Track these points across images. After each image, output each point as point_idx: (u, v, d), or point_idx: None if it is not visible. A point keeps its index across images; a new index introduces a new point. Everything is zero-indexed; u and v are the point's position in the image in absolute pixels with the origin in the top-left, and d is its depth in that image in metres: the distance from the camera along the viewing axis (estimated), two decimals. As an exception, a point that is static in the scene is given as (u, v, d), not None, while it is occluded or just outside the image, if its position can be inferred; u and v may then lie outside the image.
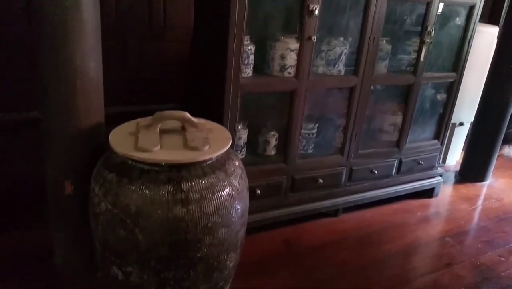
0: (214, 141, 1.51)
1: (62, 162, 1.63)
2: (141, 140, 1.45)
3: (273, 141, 2.29)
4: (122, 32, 2.77)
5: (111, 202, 1.37)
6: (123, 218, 1.36)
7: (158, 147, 1.41)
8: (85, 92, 1.56)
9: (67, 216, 1.71)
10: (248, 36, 1.99)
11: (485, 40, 3.06)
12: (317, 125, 2.41)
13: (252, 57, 2.03)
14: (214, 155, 1.44)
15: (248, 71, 2.04)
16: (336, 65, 2.26)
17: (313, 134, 2.39)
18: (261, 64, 2.13)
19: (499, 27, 3.11)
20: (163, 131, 1.55)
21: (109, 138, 1.50)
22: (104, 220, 1.41)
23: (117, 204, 1.36)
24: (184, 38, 2.81)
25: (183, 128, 1.59)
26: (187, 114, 1.56)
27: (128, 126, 1.62)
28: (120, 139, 1.50)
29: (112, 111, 2.47)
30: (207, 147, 1.45)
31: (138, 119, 1.66)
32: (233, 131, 1.99)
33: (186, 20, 2.75)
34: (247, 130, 2.21)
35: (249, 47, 2.00)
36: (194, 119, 1.57)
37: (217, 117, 1.97)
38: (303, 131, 2.29)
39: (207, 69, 2.17)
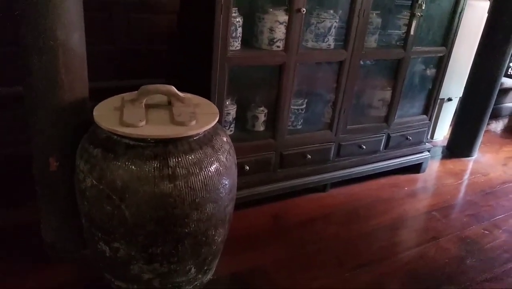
0: (201, 116, 1.48)
1: (46, 138, 1.59)
2: (126, 115, 1.41)
3: (262, 117, 2.27)
4: (107, 2, 2.68)
5: (96, 178, 1.35)
6: (109, 194, 1.34)
7: (144, 122, 1.38)
8: (68, 65, 1.51)
9: (53, 192, 1.68)
10: (236, 8, 1.93)
11: (475, 14, 3.03)
12: (306, 100, 2.38)
13: (240, 30, 1.99)
14: (201, 130, 1.42)
15: (236, 44, 1.99)
16: (326, 39, 2.22)
17: (302, 110, 2.37)
18: (250, 37, 2.09)
19: (490, 1, 3.08)
20: (148, 106, 1.51)
21: (94, 113, 1.47)
22: (90, 196, 1.39)
23: (103, 179, 1.34)
24: (172, 9, 2.73)
25: (170, 103, 1.56)
26: (173, 89, 1.52)
27: (113, 101, 1.58)
28: (105, 114, 1.47)
29: (98, 86, 2.41)
30: (194, 122, 1.42)
31: (123, 94, 1.62)
32: (221, 107, 1.96)
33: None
34: (235, 106, 2.18)
35: (237, 20, 1.95)
36: (181, 94, 1.54)
37: (205, 91, 1.93)
38: (292, 106, 2.26)
39: (194, 42, 2.12)
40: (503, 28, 2.89)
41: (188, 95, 1.61)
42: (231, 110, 2.17)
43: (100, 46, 2.61)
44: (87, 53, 1.62)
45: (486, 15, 3.05)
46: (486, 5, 3.08)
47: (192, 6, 2.12)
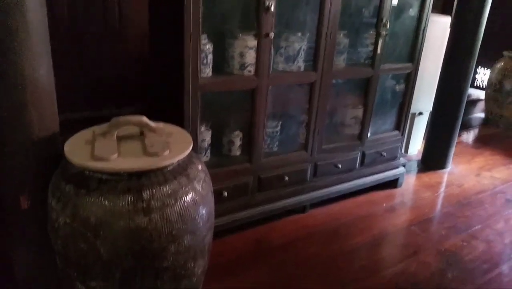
0: (174, 145, 1.47)
1: (16, 176, 1.54)
2: (97, 149, 1.39)
3: (238, 141, 2.27)
4: (76, 34, 2.66)
5: (69, 216, 1.31)
6: (83, 231, 1.30)
7: (116, 155, 1.36)
8: (37, 101, 1.48)
9: (26, 231, 1.62)
10: (206, 35, 1.95)
11: (438, 30, 3.15)
12: (280, 122, 2.40)
13: (210, 56, 2.00)
14: (175, 160, 1.40)
15: (207, 71, 2.00)
16: (296, 61, 2.26)
17: (277, 132, 2.39)
18: (221, 63, 2.10)
19: (451, 17, 3.20)
20: (120, 138, 1.49)
21: (64, 148, 1.44)
22: (64, 234, 1.35)
23: (76, 217, 1.30)
24: (141, 37, 2.74)
25: (142, 134, 1.54)
26: (145, 119, 1.51)
27: (84, 135, 1.55)
28: (76, 148, 1.44)
29: (69, 118, 2.38)
30: (167, 152, 1.40)
31: (94, 127, 1.59)
32: (194, 134, 1.95)
33: (142, 19, 2.67)
34: (210, 132, 2.18)
35: (207, 46, 1.96)
36: (153, 124, 1.52)
37: (178, 119, 1.93)
38: (266, 129, 2.27)
39: (165, 70, 2.12)
40: (465, 42, 3.00)
41: (161, 124, 1.60)
42: (206, 136, 2.16)
43: (70, 76, 2.58)
44: (57, 84, 1.59)
45: (449, 29, 3.16)
46: (448, 20, 3.20)
47: (161, 34, 2.13)
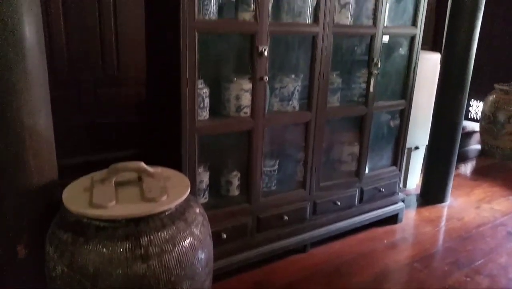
0: (172, 190, 1.48)
1: (14, 224, 1.54)
2: (95, 196, 1.40)
3: (236, 181, 2.28)
4: (75, 80, 2.73)
5: (67, 264, 1.31)
6: (81, 280, 1.29)
7: (114, 202, 1.37)
8: (36, 149, 1.51)
9: (22, 281, 1.60)
10: (202, 80, 2.00)
11: (429, 66, 3.23)
12: (277, 161, 2.42)
13: (207, 100, 2.05)
14: (173, 205, 1.41)
15: (204, 114, 2.04)
16: (290, 102, 2.30)
17: (274, 170, 2.40)
18: (217, 105, 2.14)
19: (440, 53, 3.30)
20: (118, 184, 1.50)
21: (63, 196, 1.45)
22: (61, 283, 1.33)
23: (74, 265, 1.29)
24: (139, 82, 2.80)
25: (140, 179, 1.55)
26: (142, 165, 1.53)
27: (82, 182, 1.57)
28: (74, 196, 1.45)
29: (68, 163, 2.39)
30: (165, 197, 1.41)
31: (92, 174, 1.61)
32: (192, 177, 1.96)
33: (140, 64, 2.75)
34: (208, 173, 2.19)
35: (204, 91, 2.01)
36: (150, 169, 1.54)
37: (176, 162, 1.94)
38: (264, 168, 2.29)
39: (163, 114, 2.16)
40: (455, 76, 3.06)
41: (158, 169, 1.61)
42: (204, 177, 2.18)
43: (69, 122, 2.62)
44: (55, 130, 1.62)
45: (439, 65, 3.24)
46: (438, 56, 3.29)
47: (159, 79, 2.18)
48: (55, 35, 2.59)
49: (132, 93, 2.82)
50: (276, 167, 2.40)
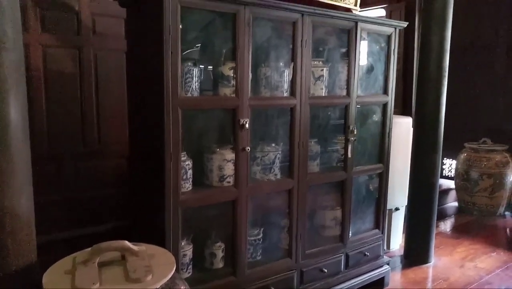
0: (157, 268, 1.45)
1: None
2: (78, 279, 1.35)
3: (220, 253, 2.24)
4: (56, 154, 2.73)
5: None
6: None
7: (97, 284, 1.33)
8: (15, 231, 1.47)
9: None
10: (185, 152, 2.03)
11: (402, 129, 3.37)
12: (262, 229, 2.41)
13: (190, 171, 2.07)
14: (158, 285, 1.38)
15: (187, 186, 2.05)
16: (272, 170, 2.35)
17: (259, 239, 2.38)
18: (200, 176, 2.16)
19: (411, 117, 3.46)
20: (102, 264, 1.47)
21: (43, 280, 1.40)
22: None
23: None
24: (119, 155, 2.82)
25: (123, 258, 1.52)
26: (126, 243, 1.50)
27: (63, 264, 1.52)
28: (56, 279, 1.40)
29: (50, 239, 2.32)
30: (149, 277, 1.38)
31: (75, 254, 1.56)
32: (176, 251, 1.93)
33: (121, 136, 2.78)
34: (191, 246, 2.15)
35: (187, 163, 2.04)
36: (134, 247, 1.51)
37: (159, 236, 1.92)
38: (248, 238, 2.27)
39: (145, 187, 2.16)
40: (427, 138, 3.20)
41: (143, 246, 1.59)
42: (187, 251, 2.13)
43: (48, 197, 2.58)
44: (36, 206, 1.59)
45: (411, 129, 3.39)
46: (410, 120, 3.45)
47: (142, 152, 2.20)
48: (36, 109, 2.62)
49: (113, 166, 2.82)
50: (261, 235, 2.39)
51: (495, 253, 3.55)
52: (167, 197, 1.89)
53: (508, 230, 4.20)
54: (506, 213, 4.55)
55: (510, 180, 4.42)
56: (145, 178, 2.14)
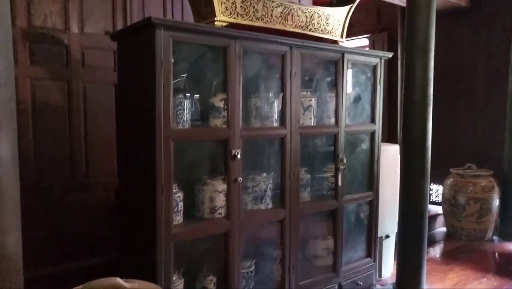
0: (150, 306, 1.42)
1: None
2: (68, 320, 1.31)
3: (212, 287, 2.20)
4: (43, 187, 2.67)
5: None
6: None
7: (89, 326, 1.28)
8: (3, 272, 1.43)
9: None
10: (176, 184, 2.02)
11: (390, 157, 3.40)
12: (254, 261, 2.38)
13: (181, 204, 2.05)
14: (152, 325, 1.34)
15: (178, 218, 2.03)
16: (264, 200, 2.34)
17: (251, 272, 2.35)
18: (191, 208, 2.14)
19: (398, 144, 3.50)
20: (93, 304, 1.42)
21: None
22: None
23: None
24: (108, 187, 2.78)
25: (115, 296, 1.48)
26: (118, 281, 1.46)
27: (52, 303, 1.47)
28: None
29: (38, 274, 2.25)
30: (143, 316, 1.34)
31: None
32: (168, 287, 1.89)
33: (110, 168, 2.75)
34: (183, 280, 2.11)
35: (178, 195, 2.02)
36: (126, 285, 1.48)
37: (150, 271, 1.88)
38: (241, 270, 2.24)
39: (136, 220, 2.12)
40: (415, 165, 3.22)
41: (135, 284, 1.55)
42: (179, 285, 2.09)
43: (36, 231, 2.52)
44: (23, 240, 1.55)
45: (399, 156, 3.43)
46: (397, 148, 3.49)
47: (132, 185, 2.17)
48: (23, 142, 2.57)
49: (102, 199, 2.77)
50: (253, 267, 2.36)
51: (485, 278, 3.55)
52: (158, 231, 1.86)
53: (497, 254, 4.22)
54: (494, 237, 4.58)
55: (497, 204, 4.48)
56: (135, 211, 2.11)
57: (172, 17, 3.13)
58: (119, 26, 2.84)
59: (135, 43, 2.06)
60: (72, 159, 2.75)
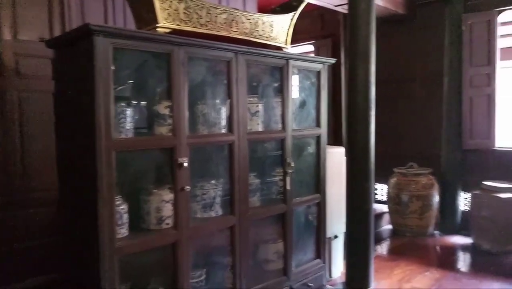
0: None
1: None
2: None
3: (161, 299, 2.14)
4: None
5: None
6: None
7: None
8: None
9: None
10: (120, 196, 1.95)
11: (336, 159, 3.50)
12: (205, 270, 2.34)
13: (126, 215, 1.98)
14: None
15: (123, 231, 1.96)
16: (213, 207, 2.32)
17: (202, 281, 2.31)
18: (137, 219, 2.08)
19: (343, 147, 3.60)
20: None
21: None
22: None
23: None
24: (48, 202, 2.64)
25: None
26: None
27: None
28: None
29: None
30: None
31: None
32: (115, 304, 1.82)
33: (50, 182, 2.61)
34: (130, 295, 2.04)
35: (122, 207, 1.95)
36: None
37: (95, 288, 1.80)
38: (190, 281, 2.20)
39: (78, 235, 2.03)
40: (360, 166, 3.33)
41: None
42: (126, 301, 2.02)
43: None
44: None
45: (344, 158, 3.53)
46: (342, 150, 3.59)
47: (73, 199, 2.08)
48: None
49: (43, 214, 2.63)
50: (204, 276, 2.32)
51: (428, 272, 3.73)
52: (101, 246, 1.78)
53: (438, 248, 4.46)
54: (436, 232, 4.84)
55: (437, 200, 4.73)
56: (77, 225, 2.02)
57: (114, 24, 3.04)
58: (57, 33, 2.72)
59: (73, 50, 1.97)
60: (7, 173, 2.59)
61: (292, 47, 2.85)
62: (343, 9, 4.72)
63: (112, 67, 1.82)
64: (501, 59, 4.60)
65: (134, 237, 1.99)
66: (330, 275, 3.54)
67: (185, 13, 2.16)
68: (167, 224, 2.08)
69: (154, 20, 2.06)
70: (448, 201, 4.83)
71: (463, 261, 4.14)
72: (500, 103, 4.65)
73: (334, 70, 5.41)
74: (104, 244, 1.79)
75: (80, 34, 1.83)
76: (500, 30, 4.56)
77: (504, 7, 4.48)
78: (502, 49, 4.61)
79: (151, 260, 2.18)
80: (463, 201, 4.86)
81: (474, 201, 4.33)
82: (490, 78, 4.61)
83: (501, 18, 4.54)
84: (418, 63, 5.17)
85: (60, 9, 2.75)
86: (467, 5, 4.70)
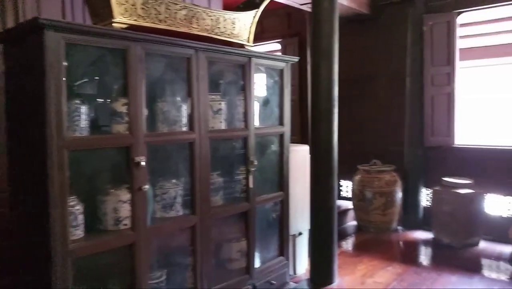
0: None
1: None
2: None
3: (119, 302, 2.09)
4: None
5: None
6: None
7: None
8: None
9: None
10: (75, 196, 1.88)
11: (300, 157, 3.52)
12: (165, 271, 2.30)
13: (81, 216, 1.92)
14: None
15: (78, 233, 1.89)
16: (173, 207, 2.29)
17: (162, 282, 2.27)
18: (93, 221, 2.02)
19: (308, 146, 3.63)
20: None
21: None
22: None
23: None
24: (2, 203, 2.52)
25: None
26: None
27: None
28: None
29: None
30: None
31: None
32: (67, 310, 1.76)
33: (2, 182, 2.49)
34: (86, 299, 1.98)
35: (77, 208, 1.89)
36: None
37: (47, 291, 1.74)
38: (150, 282, 2.15)
39: (29, 238, 1.95)
40: (323, 164, 3.37)
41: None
42: (81, 305, 1.96)
43: None
44: None
45: (309, 156, 3.55)
46: (307, 148, 3.61)
47: (24, 200, 1.99)
48: None
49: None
50: (164, 277, 2.28)
51: (391, 267, 3.81)
52: (53, 248, 1.72)
53: (401, 243, 4.56)
54: (399, 227, 4.95)
55: (400, 197, 4.84)
56: (29, 228, 1.94)
57: (73, 19, 2.93)
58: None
59: (23, 45, 1.89)
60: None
61: (259, 45, 2.85)
62: (308, 8, 4.74)
63: (65, 63, 1.76)
64: (460, 59, 4.74)
65: (90, 239, 1.93)
66: (294, 272, 3.56)
67: (142, 8, 2.11)
68: (125, 224, 2.03)
69: (110, 15, 2.00)
70: (411, 197, 4.95)
71: (424, 255, 4.26)
72: (459, 102, 4.79)
73: (300, 69, 5.44)
74: (56, 246, 1.72)
75: (30, 28, 1.75)
76: (459, 31, 4.70)
77: (463, 9, 4.63)
78: (461, 49, 4.75)
79: (108, 262, 2.12)
80: (425, 197, 4.99)
81: (435, 197, 4.46)
82: (450, 78, 4.75)
83: (460, 19, 4.68)
84: (382, 63, 5.26)
85: (13, 2, 2.63)
86: (428, 6, 4.83)
